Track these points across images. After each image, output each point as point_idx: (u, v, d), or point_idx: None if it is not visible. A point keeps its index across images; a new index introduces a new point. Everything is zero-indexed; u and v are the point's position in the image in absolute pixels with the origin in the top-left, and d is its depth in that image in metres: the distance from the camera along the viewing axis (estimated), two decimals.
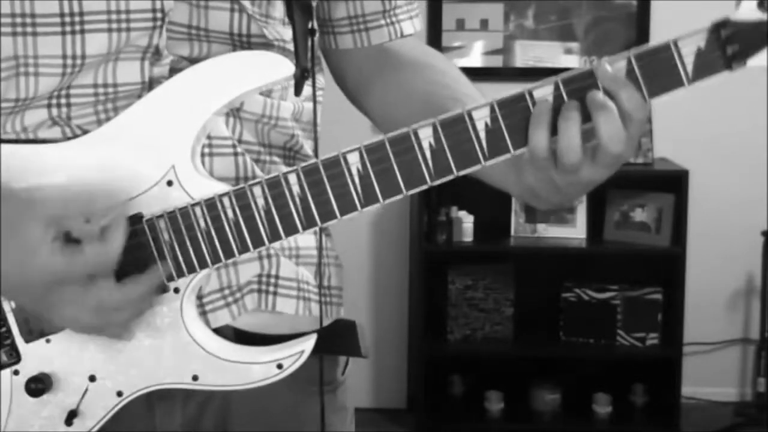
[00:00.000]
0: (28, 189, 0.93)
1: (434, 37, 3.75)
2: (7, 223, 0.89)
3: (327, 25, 1.14)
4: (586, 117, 0.92)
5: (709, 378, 3.87)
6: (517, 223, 3.70)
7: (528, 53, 3.79)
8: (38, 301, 0.92)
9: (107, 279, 0.91)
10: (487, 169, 0.96)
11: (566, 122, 0.91)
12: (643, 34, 3.74)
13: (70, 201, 0.91)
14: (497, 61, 3.81)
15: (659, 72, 0.92)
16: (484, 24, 3.79)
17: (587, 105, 0.91)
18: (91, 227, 0.90)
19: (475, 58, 3.79)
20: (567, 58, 3.77)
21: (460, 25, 3.79)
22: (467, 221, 3.61)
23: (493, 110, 0.93)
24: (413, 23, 1.17)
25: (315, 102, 1.09)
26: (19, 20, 0.94)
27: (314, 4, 1.08)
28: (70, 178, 0.95)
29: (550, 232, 3.68)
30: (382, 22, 1.14)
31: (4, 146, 0.96)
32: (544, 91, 0.93)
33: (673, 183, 3.56)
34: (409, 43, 1.16)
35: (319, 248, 1.09)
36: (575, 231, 3.68)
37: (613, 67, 0.92)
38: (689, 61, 0.92)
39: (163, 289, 0.96)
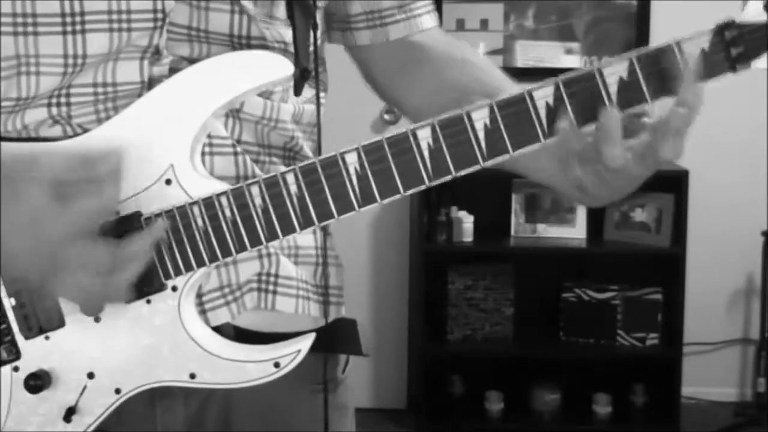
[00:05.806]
0: (23, 153, 0.92)
1: None
2: (7, 189, 0.88)
3: (344, 21, 1.14)
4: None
5: (709, 378, 3.87)
6: (517, 223, 3.70)
7: (528, 53, 3.79)
8: (41, 267, 0.90)
9: (105, 238, 0.91)
10: (532, 166, 0.95)
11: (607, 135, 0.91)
12: (643, 35, 3.74)
13: (67, 161, 0.90)
14: (497, 61, 3.80)
15: (662, 74, 0.92)
16: (484, 24, 3.79)
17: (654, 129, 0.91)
18: (89, 184, 0.89)
19: None
20: (567, 58, 3.77)
21: (460, 25, 3.79)
22: (467, 221, 3.61)
23: (492, 111, 0.93)
24: (431, 17, 1.16)
25: (318, 104, 1.09)
26: (20, 20, 0.94)
27: (322, 4, 1.08)
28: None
29: (549, 232, 3.68)
30: (399, 17, 1.13)
31: (6, 144, 0.96)
32: (544, 92, 0.93)
33: (673, 183, 3.55)
34: (434, 36, 1.15)
35: (324, 247, 1.09)
36: (575, 231, 3.68)
37: (614, 68, 0.91)
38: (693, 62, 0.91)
39: (161, 285, 0.96)
